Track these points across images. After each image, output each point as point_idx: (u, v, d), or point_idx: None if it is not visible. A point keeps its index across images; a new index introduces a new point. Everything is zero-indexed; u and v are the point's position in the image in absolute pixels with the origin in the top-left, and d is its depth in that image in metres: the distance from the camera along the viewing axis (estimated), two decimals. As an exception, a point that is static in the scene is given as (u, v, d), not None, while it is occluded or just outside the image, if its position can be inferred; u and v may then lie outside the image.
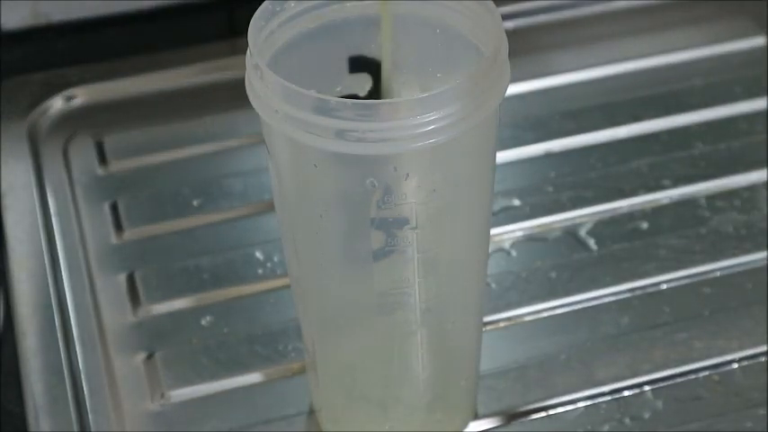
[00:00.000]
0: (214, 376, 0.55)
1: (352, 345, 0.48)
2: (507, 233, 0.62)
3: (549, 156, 0.66)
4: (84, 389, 0.55)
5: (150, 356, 0.56)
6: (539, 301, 0.58)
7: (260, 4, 0.43)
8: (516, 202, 0.63)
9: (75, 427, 0.53)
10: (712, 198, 0.64)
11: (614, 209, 0.63)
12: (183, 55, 0.71)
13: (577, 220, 0.62)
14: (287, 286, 0.59)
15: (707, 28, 0.74)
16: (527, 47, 0.73)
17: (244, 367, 0.56)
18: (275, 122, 0.41)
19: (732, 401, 0.54)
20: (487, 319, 0.57)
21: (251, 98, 0.42)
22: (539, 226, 0.62)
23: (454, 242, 0.45)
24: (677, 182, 0.64)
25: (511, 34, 0.43)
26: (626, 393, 0.54)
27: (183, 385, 0.55)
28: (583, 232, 0.62)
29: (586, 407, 0.54)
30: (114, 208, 0.63)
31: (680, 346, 0.56)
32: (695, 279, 0.60)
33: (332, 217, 0.44)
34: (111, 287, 0.59)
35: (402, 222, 0.43)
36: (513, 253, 0.61)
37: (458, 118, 0.40)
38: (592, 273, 0.60)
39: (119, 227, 0.62)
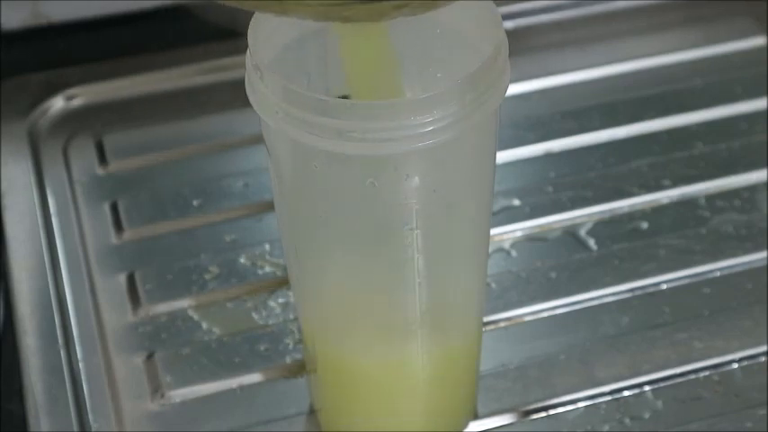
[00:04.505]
0: (214, 376, 0.55)
1: (353, 344, 0.48)
2: (507, 233, 0.62)
3: (549, 156, 0.66)
4: (84, 389, 0.55)
5: (150, 356, 0.56)
6: (539, 301, 0.58)
7: (260, 5, 0.43)
8: (516, 202, 0.63)
9: (75, 427, 0.53)
10: (712, 198, 0.64)
11: (614, 209, 0.63)
12: (183, 55, 0.71)
13: (577, 220, 0.62)
14: (287, 286, 0.59)
15: (707, 28, 0.74)
16: (527, 47, 0.73)
17: (244, 367, 0.56)
18: (275, 123, 0.41)
19: (732, 401, 0.54)
20: (487, 319, 0.57)
21: (251, 98, 0.42)
22: (539, 226, 0.62)
23: (454, 242, 0.45)
24: (677, 182, 0.64)
25: (511, 34, 0.43)
26: (626, 393, 0.54)
27: (183, 385, 0.55)
28: (583, 232, 0.62)
29: (586, 407, 0.54)
30: (114, 208, 0.63)
31: (680, 346, 0.56)
32: (695, 279, 0.60)
33: (332, 217, 0.44)
34: (111, 287, 0.59)
35: (402, 222, 0.43)
36: (513, 253, 0.61)
37: (458, 118, 0.40)
38: (592, 273, 0.60)
39: (119, 227, 0.62)
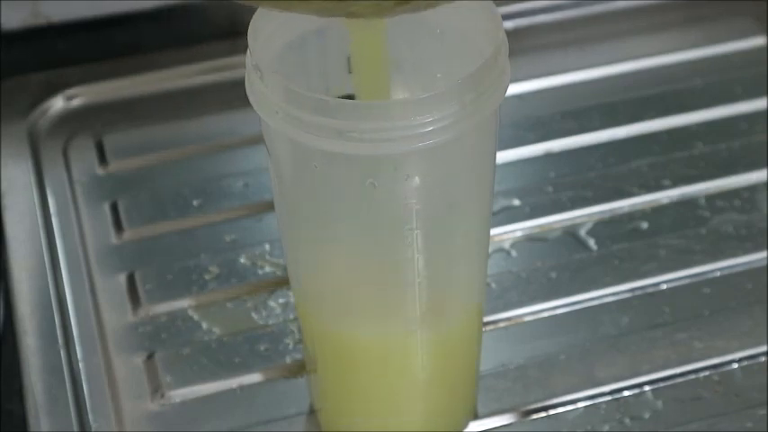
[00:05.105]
0: (214, 376, 0.55)
1: (353, 345, 0.48)
2: (507, 233, 0.62)
3: (549, 156, 0.66)
4: (84, 389, 0.55)
5: (150, 356, 0.56)
6: (539, 301, 0.58)
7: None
8: (516, 202, 0.63)
9: (75, 427, 0.53)
10: (712, 198, 0.64)
11: (614, 209, 0.63)
12: (183, 55, 0.71)
13: (577, 220, 0.62)
14: (287, 286, 0.59)
15: (707, 28, 0.74)
16: (527, 47, 0.73)
17: (244, 367, 0.56)
18: (275, 123, 0.41)
19: (732, 402, 0.54)
20: (487, 319, 0.57)
21: (251, 98, 0.42)
22: (539, 226, 0.62)
23: (454, 242, 0.45)
24: (677, 182, 0.64)
25: (511, 34, 0.43)
26: (626, 393, 0.54)
27: (183, 385, 0.55)
28: (583, 232, 0.62)
29: (586, 407, 0.54)
30: (114, 208, 0.63)
31: (680, 346, 0.56)
32: (695, 279, 0.60)
33: (332, 217, 0.44)
34: (111, 287, 0.59)
35: (402, 222, 0.43)
36: (513, 253, 0.61)
37: (458, 118, 0.40)
38: (592, 273, 0.60)
39: (119, 227, 0.62)
